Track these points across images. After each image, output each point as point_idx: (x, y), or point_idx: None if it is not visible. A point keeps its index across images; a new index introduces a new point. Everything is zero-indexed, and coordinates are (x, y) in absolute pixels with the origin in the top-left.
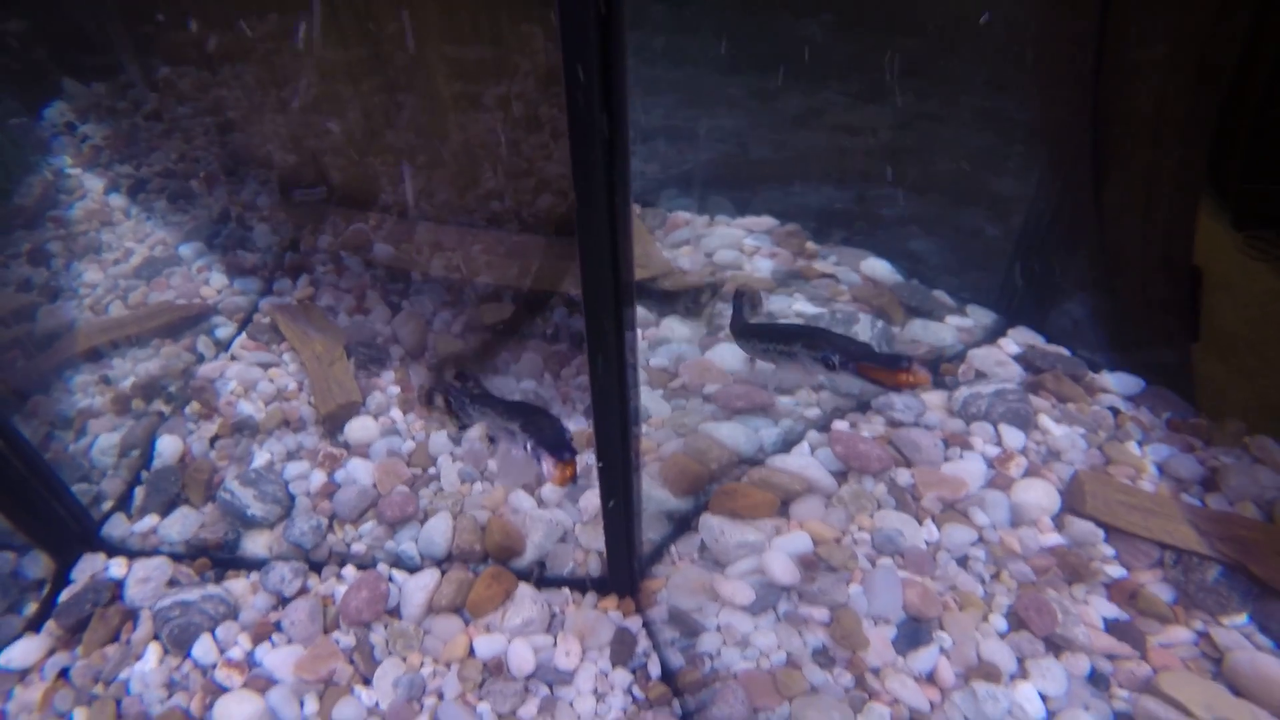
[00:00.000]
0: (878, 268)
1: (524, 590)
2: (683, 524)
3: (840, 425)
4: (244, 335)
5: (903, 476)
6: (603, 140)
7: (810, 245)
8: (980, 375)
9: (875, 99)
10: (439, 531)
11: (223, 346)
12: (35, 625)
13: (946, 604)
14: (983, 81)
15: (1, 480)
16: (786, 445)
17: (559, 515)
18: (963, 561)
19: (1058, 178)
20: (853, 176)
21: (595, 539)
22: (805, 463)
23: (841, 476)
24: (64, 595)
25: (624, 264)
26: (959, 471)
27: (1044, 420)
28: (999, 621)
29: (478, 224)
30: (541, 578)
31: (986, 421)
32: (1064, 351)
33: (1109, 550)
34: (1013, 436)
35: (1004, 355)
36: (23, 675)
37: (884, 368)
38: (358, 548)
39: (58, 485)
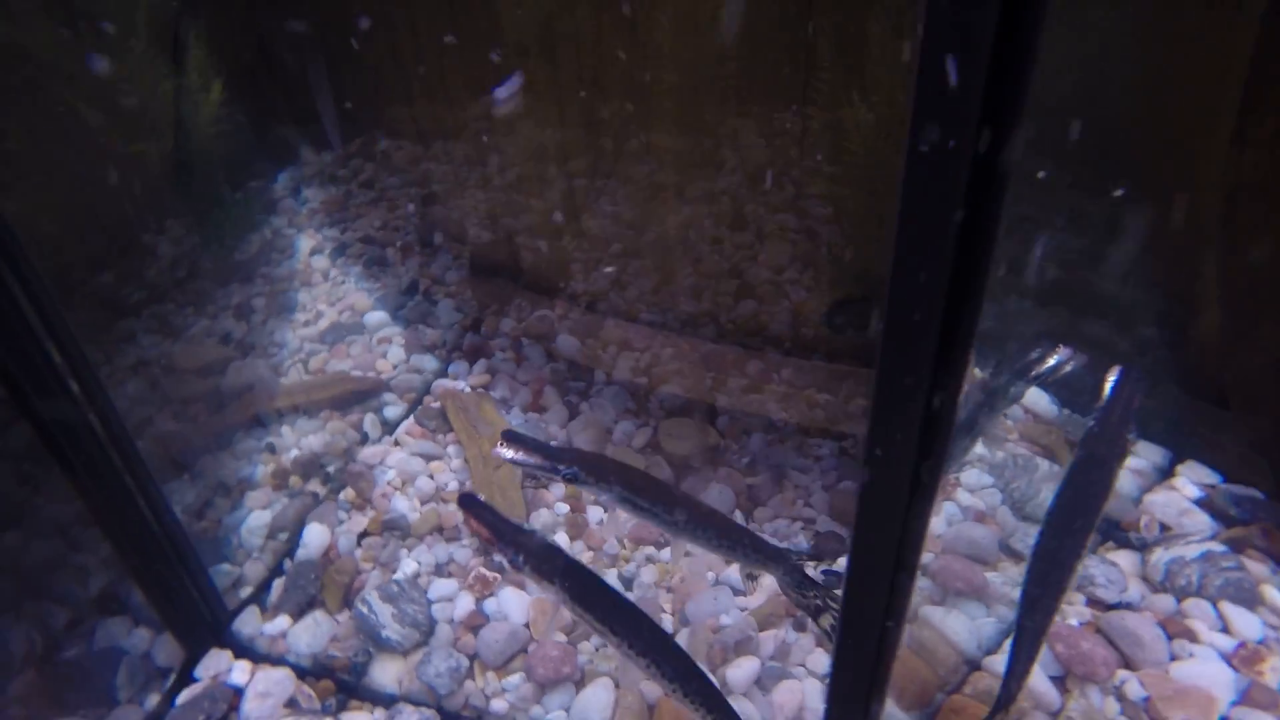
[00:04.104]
0: (1037, 399)
1: None
2: None
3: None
4: (411, 419)
5: (1131, 686)
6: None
7: (975, 371)
8: (1165, 529)
9: None
10: (597, 706)
11: (389, 428)
12: None
13: None
14: (1069, 184)
15: (143, 554)
16: (999, 639)
17: (746, 708)
18: None
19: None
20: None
21: None
22: None
23: (1060, 683)
24: (183, 696)
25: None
26: (1196, 678)
27: (1272, 595)
28: None
29: (670, 325)
30: None
31: (1202, 598)
32: (1255, 494)
33: None
34: (1243, 620)
35: (1185, 501)
36: None
37: None
38: (498, 704)
39: (197, 567)
